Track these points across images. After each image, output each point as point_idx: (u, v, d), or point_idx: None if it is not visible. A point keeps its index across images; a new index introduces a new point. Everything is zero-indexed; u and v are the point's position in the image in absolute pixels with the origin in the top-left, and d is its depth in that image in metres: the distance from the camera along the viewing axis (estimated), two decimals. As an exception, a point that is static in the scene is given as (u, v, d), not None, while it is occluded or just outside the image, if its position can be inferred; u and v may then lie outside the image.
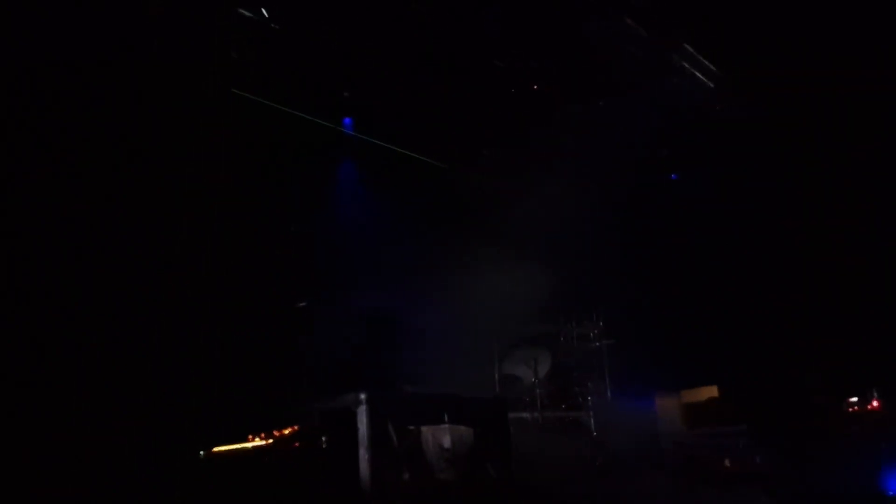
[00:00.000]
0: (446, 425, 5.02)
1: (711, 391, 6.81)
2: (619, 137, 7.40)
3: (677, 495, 5.69)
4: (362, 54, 6.33)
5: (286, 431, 4.37)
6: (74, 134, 4.36)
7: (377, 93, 6.85)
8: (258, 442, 4.30)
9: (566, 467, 5.81)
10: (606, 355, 7.33)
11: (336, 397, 4.61)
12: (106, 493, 3.71)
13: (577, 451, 6.33)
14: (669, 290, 7.84)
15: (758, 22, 6.16)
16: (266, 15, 5.71)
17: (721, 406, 6.62)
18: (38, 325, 3.96)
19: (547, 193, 7.48)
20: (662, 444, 6.64)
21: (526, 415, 6.59)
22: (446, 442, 4.94)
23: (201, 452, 4.07)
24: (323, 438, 4.35)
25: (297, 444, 4.34)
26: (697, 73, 6.87)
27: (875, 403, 5.91)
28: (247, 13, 5.65)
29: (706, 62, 6.80)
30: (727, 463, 6.03)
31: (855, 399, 6.00)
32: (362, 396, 4.45)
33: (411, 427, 4.92)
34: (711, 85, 6.98)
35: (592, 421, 6.73)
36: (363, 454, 4.35)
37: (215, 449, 4.14)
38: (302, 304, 5.52)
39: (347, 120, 7.16)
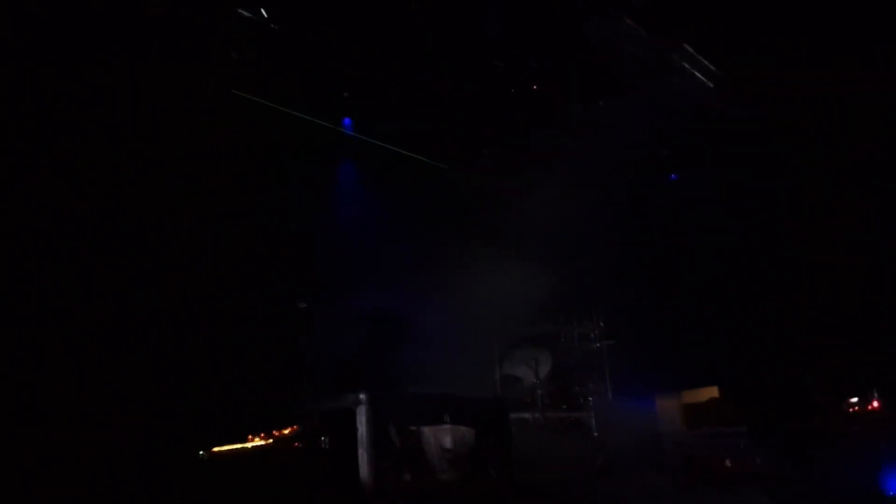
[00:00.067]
0: (447, 425, 5.02)
1: (712, 391, 6.81)
2: (618, 137, 7.40)
3: (678, 495, 5.69)
4: (362, 54, 6.33)
5: (286, 431, 4.36)
6: (74, 134, 4.36)
7: (377, 93, 6.84)
8: (258, 442, 4.29)
9: (567, 467, 5.81)
10: (607, 356, 7.33)
11: (336, 397, 4.61)
12: (106, 493, 3.70)
13: (577, 451, 6.34)
14: (670, 291, 7.84)
15: (758, 22, 6.16)
16: (265, 15, 5.70)
17: (721, 406, 6.62)
18: (39, 325, 3.95)
19: (547, 193, 7.48)
20: (663, 445, 6.64)
21: (527, 415, 6.59)
22: (447, 442, 4.95)
23: (201, 452, 4.06)
24: (323, 438, 4.35)
25: (297, 445, 4.34)
26: (697, 74, 6.87)
27: (875, 404, 5.91)
28: (246, 13, 5.64)
29: (706, 62, 6.80)
30: (727, 463, 6.03)
31: (855, 399, 6.00)
32: (362, 396, 4.45)
33: (412, 427, 4.92)
34: (711, 85, 6.98)
35: (593, 421, 6.73)
36: (363, 454, 4.35)
37: (215, 449, 4.13)
38: (302, 305, 5.51)
39: (347, 120, 7.16)
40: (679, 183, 8.58)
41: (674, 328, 7.62)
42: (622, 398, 7.12)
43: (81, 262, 4.22)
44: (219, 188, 5.11)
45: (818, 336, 6.71)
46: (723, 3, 6.05)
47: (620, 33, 6.23)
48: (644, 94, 6.99)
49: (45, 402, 3.81)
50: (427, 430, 4.97)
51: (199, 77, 5.17)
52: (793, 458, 5.59)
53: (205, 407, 4.42)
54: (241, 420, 4.51)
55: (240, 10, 5.61)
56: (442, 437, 4.95)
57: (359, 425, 4.41)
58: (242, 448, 4.23)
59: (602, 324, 7.43)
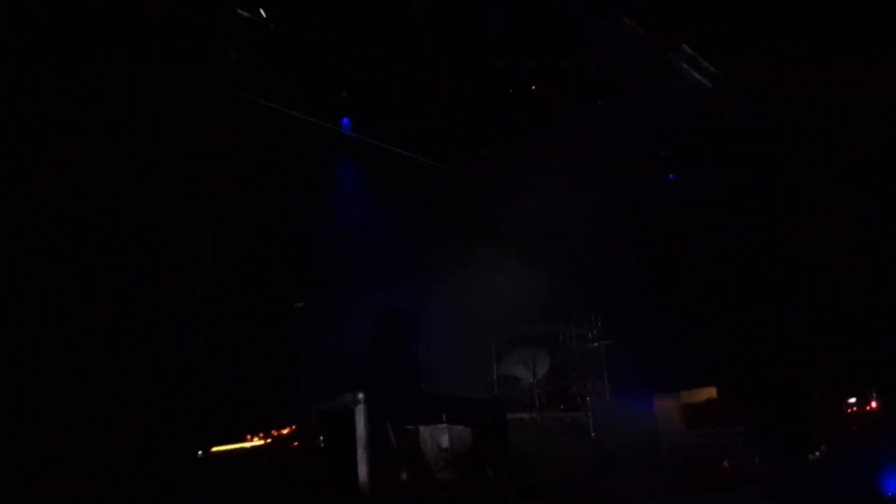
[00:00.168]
0: (444, 425, 5.03)
1: (710, 392, 6.80)
2: (617, 138, 7.40)
3: (676, 496, 5.68)
4: (361, 54, 6.33)
5: (284, 431, 4.38)
6: (74, 134, 4.37)
7: (376, 93, 6.85)
8: (257, 442, 4.31)
9: (565, 468, 5.81)
10: (605, 356, 7.32)
11: (334, 397, 4.62)
12: (105, 493, 3.72)
13: (575, 451, 6.33)
14: (668, 291, 7.84)
15: (757, 22, 6.15)
16: (264, 15, 5.71)
17: (720, 407, 6.61)
18: (39, 324, 3.97)
19: (546, 193, 7.48)
20: (661, 445, 6.64)
21: (524, 415, 6.59)
22: (444, 442, 4.95)
23: (200, 452, 4.08)
24: (321, 438, 4.36)
25: (295, 444, 4.35)
26: (696, 74, 6.87)
27: (874, 404, 5.91)
28: (245, 14, 5.64)
29: (705, 63, 6.80)
30: (726, 464, 6.03)
31: (854, 400, 6.00)
32: (360, 396, 4.46)
33: (409, 427, 4.94)
34: (710, 85, 6.97)
35: (591, 421, 6.72)
36: (361, 454, 4.36)
37: (214, 449, 4.15)
38: (299, 305, 5.53)
39: (346, 120, 7.16)
40: (678, 183, 8.58)
41: (672, 328, 7.62)
42: (620, 398, 7.11)
43: (81, 262, 4.23)
44: (219, 188, 5.12)
45: (817, 336, 6.72)
46: (722, 3, 6.04)
47: (619, 33, 6.23)
48: (643, 94, 6.98)
49: (45, 402, 3.83)
50: (424, 430, 4.98)
51: (198, 77, 5.18)
52: (791, 458, 5.59)
53: (203, 407, 4.43)
54: (239, 420, 4.52)
55: (239, 11, 5.61)
56: (439, 436, 4.96)
57: (357, 425, 4.43)
58: (241, 448, 4.25)
59: (600, 324, 7.42)
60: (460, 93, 7.00)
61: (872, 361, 6.25)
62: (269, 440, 4.33)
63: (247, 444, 4.29)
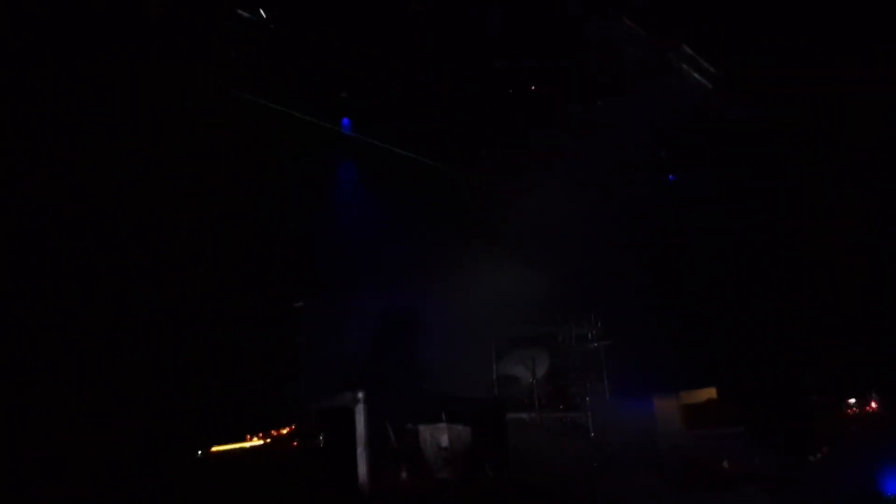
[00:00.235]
0: (444, 424, 5.04)
1: (710, 392, 6.80)
2: (617, 138, 7.40)
3: (675, 496, 5.68)
4: (361, 55, 6.33)
5: (284, 431, 4.38)
6: (74, 134, 4.38)
7: (376, 93, 6.85)
8: (256, 442, 4.32)
9: (564, 468, 5.82)
10: (604, 356, 7.31)
11: (334, 396, 4.63)
12: (104, 493, 3.72)
13: (575, 451, 6.33)
14: (668, 291, 7.84)
15: (757, 22, 6.16)
16: (264, 16, 5.71)
17: (719, 407, 6.61)
18: (39, 324, 3.98)
19: (546, 194, 7.48)
20: (661, 446, 6.64)
21: (524, 415, 6.58)
22: (444, 441, 4.96)
23: (199, 452, 4.08)
24: (320, 437, 4.37)
25: (294, 444, 4.36)
26: (696, 74, 6.87)
27: (873, 405, 5.91)
28: (245, 14, 5.65)
29: (705, 63, 6.80)
30: (725, 464, 6.03)
31: (853, 400, 6.00)
32: (360, 395, 4.46)
33: (409, 426, 4.94)
34: (710, 86, 6.98)
35: (591, 422, 6.71)
36: (361, 453, 4.37)
37: (213, 449, 4.15)
38: (298, 304, 5.53)
39: (346, 120, 7.17)
40: (678, 183, 8.58)
41: (672, 329, 7.62)
42: (620, 399, 7.10)
43: (81, 262, 4.24)
44: (218, 188, 5.13)
45: (817, 337, 6.72)
46: (722, 3, 6.04)
47: (619, 34, 6.23)
48: (643, 94, 6.99)
49: (45, 402, 3.83)
50: (424, 429, 4.99)
51: (198, 77, 5.18)
52: (791, 459, 5.59)
53: (203, 406, 4.44)
54: (239, 420, 4.53)
55: (239, 11, 5.61)
56: (438, 435, 4.97)
57: (356, 424, 4.43)
58: (240, 448, 4.25)
59: (600, 324, 7.41)
60: (460, 93, 7.00)
61: (872, 362, 6.25)
62: (268, 440, 4.33)
63: (246, 444, 4.29)
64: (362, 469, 4.32)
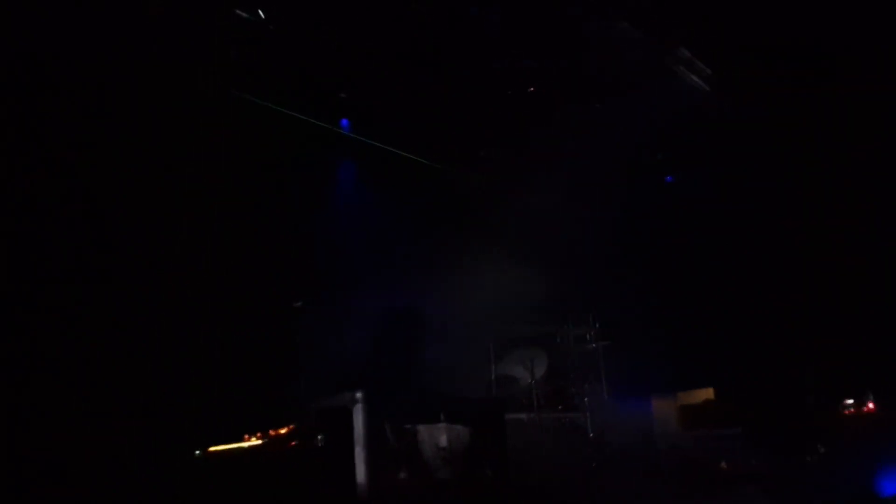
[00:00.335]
0: (443, 424, 5.06)
1: (708, 393, 6.80)
2: (616, 139, 7.41)
3: (673, 497, 5.70)
4: (361, 55, 6.33)
5: (283, 431, 4.39)
6: (75, 134, 4.39)
7: (375, 93, 6.85)
8: (255, 441, 4.33)
9: (562, 468, 5.83)
10: (603, 357, 7.33)
11: (333, 396, 4.65)
12: (103, 493, 3.74)
13: (573, 452, 6.34)
14: (666, 292, 7.85)
15: (756, 22, 6.16)
16: (263, 16, 5.71)
17: (717, 408, 6.62)
18: (39, 324, 3.99)
19: (545, 194, 7.50)
20: (659, 446, 6.65)
21: (522, 416, 6.60)
22: (442, 441, 4.98)
23: (197, 452, 4.10)
24: (319, 437, 4.38)
25: (293, 444, 4.37)
26: (694, 76, 6.88)
27: (871, 405, 5.92)
28: (244, 14, 5.65)
29: (702, 65, 6.81)
30: (723, 465, 6.04)
31: (851, 401, 6.01)
32: (358, 395, 4.48)
33: (408, 426, 4.96)
34: (708, 88, 6.99)
35: (589, 422, 6.72)
36: (360, 453, 4.38)
37: (212, 449, 4.16)
38: (298, 304, 5.54)
39: (345, 121, 7.17)
40: (676, 184, 8.58)
41: (670, 329, 7.62)
42: (618, 399, 7.12)
43: (81, 262, 4.25)
44: (218, 188, 5.14)
45: (814, 338, 6.72)
46: (721, 4, 6.05)
47: (618, 35, 6.23)
48: (642, 95, 7.00)
49: (45, 402, 3.84)
50: (423, 429, 5.01)
51: (198, 77, 5.19)
52: (789, 459, 5.60)
53: (202, 406, 4.45)
54: (239, 420, 4.54)
55: (237, 11, 5.62)
56: (437, 435, 4.99)
57: (355, 424, 4.45)
58: (239, 448, 4.26)
59: (598, 325, 7.43)
60: (460, 93, 7.00)
61: (870, 363, 6.26)
62: (267, 440, 4.35)
63: (245, 444, 4.30)
64: (361, 469, 4.34)
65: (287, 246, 6.19)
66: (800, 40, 6.32)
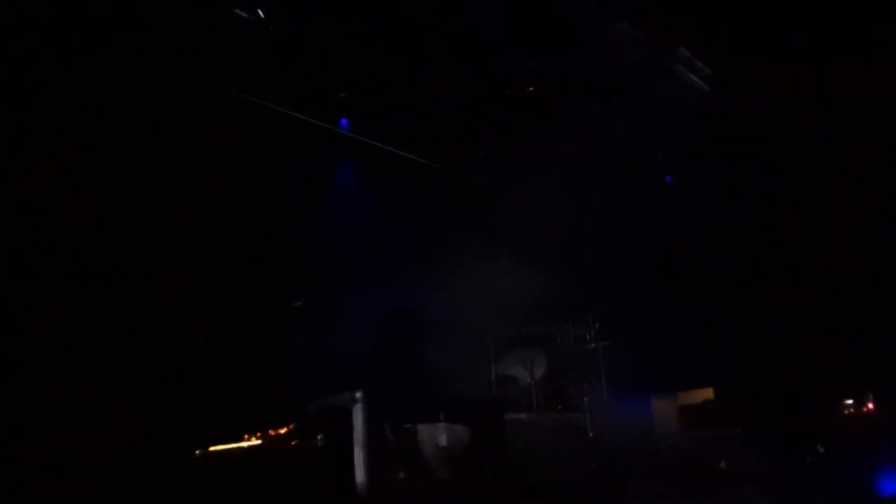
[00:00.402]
0: (442, 424, 5.07)
1: (707, 393, 6.81)
2: (616, 139, 7.42)
3: (673, 497, 5.70)
4: (360, 55, 6.33)
5: (282, 431, 4.40)
6: (75, 134, 4.39)
7: (374, 93, 6.86)
8: (254, 441, 4.33)
9: (562, 468, 5.83)
10: (602, 357, 7.32)
11: (332, 396, 4.65)
12: (102, 493, 3.74)
13: (573, 452, 6.33)
14: (666, 292, 7.85)
15: (756, 22, 6.16)
16: (262, 16, 5.71)
17: (717, 408, 6.62)
18: (39, 324, 3.99)
19: (544, 194, 7.50)
20: (658, 446, 6.65)
21: (522, 416, 6.58)
22: (442, 441, 5.00)
23: (197, 452, 4.10)
24: (318, 437, 4.39)
25: (293, 444, 4.37)
26: (694, 76, 6.88)
27: (870, 406, 5.92)
28: (243, 14, 5.65)
29: (702, 65, 6.81)
30: (723, 465, 6.04)
31: (850, 401, 6.01)
32: (358, 395, 4.49)
33: (407, 426, 4.97)
34: (707, 88, 6.99)
35: (589, 422, 6.71)
36: (359, 453, 4.39)
37: (211, 448, 4.16)
38: (297, 304, 5.55)
39: (345, 121, 7.17)
40: (676, 184, 8.58)
41: (670, 329, 7.61)
42: (618, 399, 7.11)
43: (81, 262, 4.25)
44: (218, 188, 5.13)
45: (814, 338, 6.71)
46: (720, 5, 6.05)
47: (618, 35, 6.23)
48: (642, 95, 7.00)
49: (44, 402, 3.84)
50: (422, 429, 5.02)
51: (198, 77, 5.19)
52: (788, 459, 5.60)
53: (201, 406, 4.45)
54: (239, 420, 4.54)
55: (237, 11, 5.62)
56: (437, 435, 5.00)
57: (355, 423, 4.45)
58: (238, 447, 4.26)
59: (598, 325, 7.42)
60: (460, 93, 7.00)
61: (869, 363, 6.26)
62: (266, 440, 4.35)
63: (244, 444, 4.30)
64: (360, 469, 4.35)
65: (287, 246, 6.19)
66: (800, 40, 6.32)
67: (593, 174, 7.55)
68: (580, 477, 5.93)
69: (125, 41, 4.66)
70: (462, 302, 6.99)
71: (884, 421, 5.76)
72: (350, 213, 7.03)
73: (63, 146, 4.34)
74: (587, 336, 7.41)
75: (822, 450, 5.62)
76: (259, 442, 4.33)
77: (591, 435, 6.66)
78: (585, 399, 6.87)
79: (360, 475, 4.36)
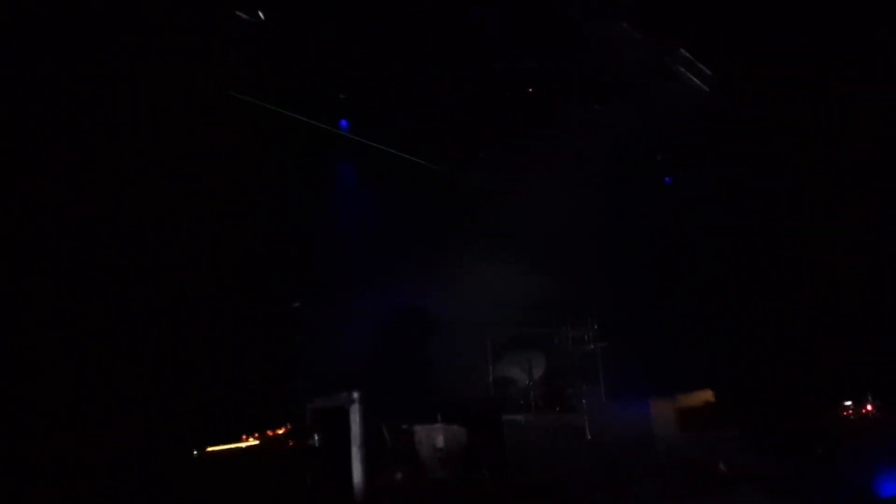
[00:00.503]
0: (439, 425, 5.07)
1: (706, 395, 6.80)
2: (616, 139, 7.41)
3: (671, 499, 5.69)
4: (360, 55, 6.34)
5: (280, 431, 4.41)
6: (75, 134, 4.41)
7: (374, 94, 6.86)
8: (252, 442, 4.34)
9: (560, 470, 5.82)
10: (601, 358, 7.31)
11: (330, 396, 4.66)
12: (101, 493, 3.76)
13: (571, 453, 6.33)
14: (665, 293, 7.84)
15: (755, 23, 6.15)
16: (262, 17, 5.73)
17: (716, 410, 6.61)
18: (39, 324, 4.01)
19: (544, 195, 7.49)
20: (657, 448, 6.64)
21: (520, 417, 6.59)
22: (439, 441, 5.00)
23: (195, 452, 4.11)
24: (315, 437, 4.40)
25: (290, 444, 4.38)
26: (693, 77, 6.87)
27: (869, 407, 5.91)
28: (244, 15, 5.67)
29: (702, 66, 6.80)
30: (722, 467, 6.02)
31: (849, 403, 6.00)
32: (355, 395, 4.49)
33: (405, 426, 4.98)
34: (707, 88, 6.98)
35: (587, 424, 6.71)
36: (356, 453, 4.39)
37: (209, 449, 4.18)
38: (296, 305, 5.56)
39: (344, 121, 7.18)
40: (675, 184, 8.57)
41: (668, 331, 7.60)
42: (616, 401, 7.10)
43: (81, 262, 4.27)
44: (218, 188, 5.15)
45: (813, 339, 6.70)
46: (720, 5, 6.04)
47: (618, 36, 6.23)
48: (641, 96, 6.99)
49: (44, 402, 3.86)
50: (419, 430, 5.03)
51: (198, 77, 5.21)
52: (787, 461, 5.59)
53: (200, 406, 4.46)
54: (238, 420, 4.55)
55: (237, 13, 5.63)
56: (434, 436, 5.01)
57: (352, 424, 4.46)
58: (236, 448, 4.27)
59: (596, 326, 7.40)
60: (460, 94, 7.00)
61: (868, 365, 6.24)
62: (264, 440, 4.36)
63: (242, 444, 4.32)
64: (357, 469, 4.35)
65: (287, 246, 6.20)
66: (799, 41, 6.30)
67: (593, 174, 7.55)
68: (578, 479, 5.92)
69: (125, 41, 4.68)
70: (461, 302, 7.00)
71: (883, 423, 5.75)
72: (350, 213, 7.04)
73: (63, 146, 4.36)
74: (586, 337, 7.40)
75: (820, 451, 5.61)
76: (257, 442, 4.34)
77: (589, 437, 6.65)
78: (584, 400, 6.86)
79: (356, 476, 4.36)
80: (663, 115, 7.20)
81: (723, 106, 7.13)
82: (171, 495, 3.87)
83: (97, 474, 3.80)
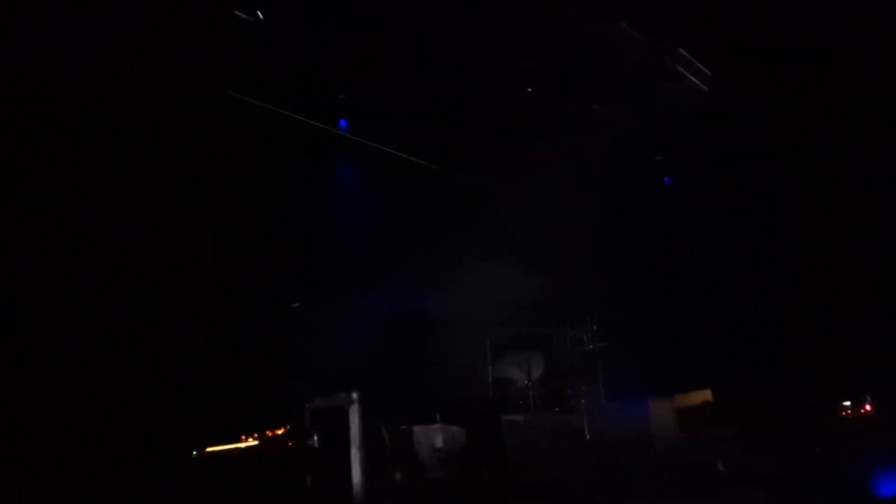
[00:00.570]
0: (438, 425, 5.08)
1: (705, 395, 6.80)
2: (616, 140, 7.41)
3: (670, 498, 5.69)
4: (360, 55, 6.34)
5: (279, 431, 4.42)
6: (75, 134, 4.42)
7: (374, 94, 6.86)
8: (251, 442, 4.35)
9: (560, 470, 5.83)
10: (600, 358, 7.32)
11: (329, 396, 4.67)
12: (101, 493, 3.76)
13: (570, 453, 6.34)
14: (664, 293, 7.84)
15: (755, 23, 6.15)
16: (262, 17, 5.72)
17: (715, 409, 6.62)
18: (38, 324, 4.02)
19: (543, 195, 7.50)
20: (656, 448, 6.64)
21: (519, 417, 6.59)
22: (438, 442, 5.00)
23: (195, 453, 4.12)
24: (315, 437, 4.40)
25: (289, 444, 4.39)
26: (692, 78, 6.87)
27: (868, 407, 5.91)
28: (243, 15, 5.67)
29: (701, 66, 6.80)
30: (720, 467, 6.03)
31: (848, 403, 6.01)
32: (354, 395, 4.50)
33: (404, 427, 4.99)
34: (706, 88, 6.97)
35: (586, 424, 6.71)
36: (355, 453, 4.40)
37: (208, 449, 4.19)
38: (295, 305, 5.56)
39: (344, 121, 7.19)
40: (674, 186, 8.57)
41: (667, 331, 7.61)
42: (615, 401, 7.11)
43: (81, 262, 4.28)
44: (218, 188, 5.16)
45: (812, 339, 6.70)
46: (720, 5, 6.03)
47: (618, 36, 6.23)
48: (641, 96, 6.99)
49: (44, 402, 3.87)
50: (418, 430, 5.03)
51: (198, 77, 5.21)
52: (786, 461, 5.59)
53: (199, 407, 4.47)
54: (238, 420, 4.56)
55: (236, 13, 5.63)
56: (433, 436, 5.01)
57: (351, 424, 4.47)
58: (235, 448, 4.28)
59: (595, 326, 7.41)
60: (460, 93, 7.00)
61: (867, 365, 6.25)
62: (263, 440, 4.37)
63: (241, 445, 4.32)
64: (357, 469, 4.36)
65: (287, 246, 6.20)
66: (799, 40, 6.30)
67: (593, 174, 7.55)
68: (577, 479, 5.92)
69: (125, 41, 4.68)
70: (461, 302, 7.00)
71: (882, 423, 5.76)
72: (350, 213, 7.04)
73: (63, 146, 4.37)
74: (585, 337, 7.41)
75: (819, 451, 5.61)
76: (256, 442, 4.35)
77: (588, 437, 6.66)
78: (583, 401, 6.87)
79: (356, 476, 4.37)
80: (663, 115, 7.20)
81: (722, 106, 7.13)
82: (171, 495, 3.88)
83: (97, 474, 3.81)
